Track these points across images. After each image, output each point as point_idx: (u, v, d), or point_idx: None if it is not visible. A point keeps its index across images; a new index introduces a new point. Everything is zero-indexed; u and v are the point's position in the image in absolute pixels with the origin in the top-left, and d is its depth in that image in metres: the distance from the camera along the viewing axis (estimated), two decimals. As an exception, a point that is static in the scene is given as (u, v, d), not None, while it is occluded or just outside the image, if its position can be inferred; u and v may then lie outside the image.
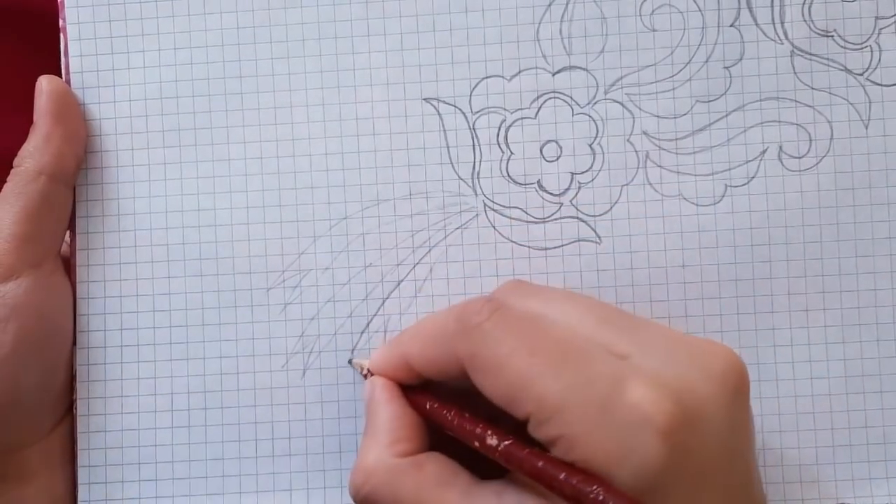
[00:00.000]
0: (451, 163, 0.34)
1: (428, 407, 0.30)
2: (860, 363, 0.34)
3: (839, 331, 0.34)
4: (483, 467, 0.29)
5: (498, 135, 0.34)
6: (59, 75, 0.35)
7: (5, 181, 0.34)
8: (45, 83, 0.34)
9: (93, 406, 0.34)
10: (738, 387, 0.27)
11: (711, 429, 0.26)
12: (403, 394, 0.31)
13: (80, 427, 0.34)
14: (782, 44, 0.34)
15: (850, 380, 0.34)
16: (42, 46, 0.38)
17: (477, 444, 0.28)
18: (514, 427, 0.27)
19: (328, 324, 0.34)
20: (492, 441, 0.28)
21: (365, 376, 0.32)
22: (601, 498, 0.25)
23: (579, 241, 0.34)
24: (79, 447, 0.34)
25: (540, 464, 0.26)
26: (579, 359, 0.27)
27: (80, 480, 0.34)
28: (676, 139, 0.34)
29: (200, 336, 0.35)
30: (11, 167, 0.34)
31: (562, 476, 0.25)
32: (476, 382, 0.28)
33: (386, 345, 0.32)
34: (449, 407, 0.30)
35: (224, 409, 0.34)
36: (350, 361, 0.34)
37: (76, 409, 0.34)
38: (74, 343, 0.35)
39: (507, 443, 0.27)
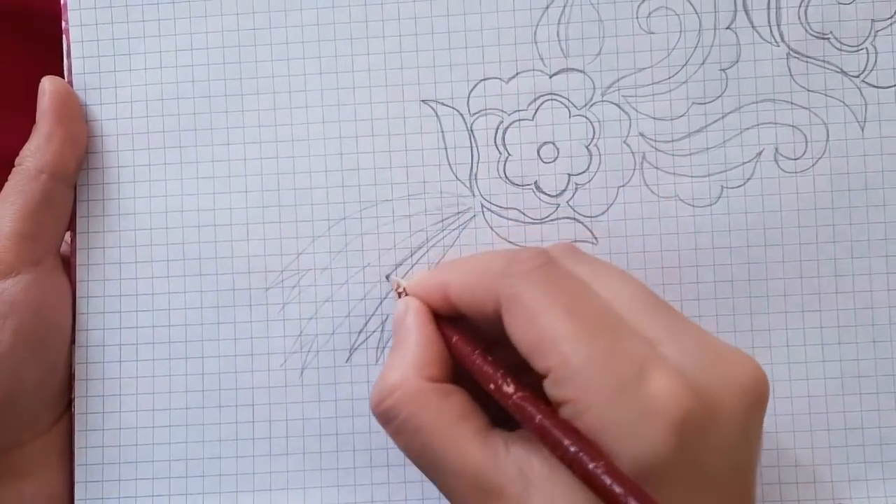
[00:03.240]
0: (449, 164, 0.35)
1: (454, 340, 0.30)
2: (856, 364, 0.34)
3: (835, 332, 0.34)
4: (492, 419, 0.29)
5: (495, 136, 0.35)
6: (62, 76, 0.35)
7: (5, 180, 0.34)
8: (47, 84, 0.35)
9: (91, 404, 0.35)
10: (757, 401, 0.27)
11: (723, 436, 0.26)
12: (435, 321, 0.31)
13: (78, 425, 0.35)
14: (778, 46, 0.34)
15: (846, 381, 0.34)
16: (45, 48, 0.39)
17: (493, 387, 0.28)
18: (531, 386, 0.27)
19: (326, 323, 0.35)
20: (508, 388, 0.28)
21: (399, 295, 0.32)
22: (602, 475, 0.25)
23: (576, 242, 0.34)
24: (77, 445, 0.34)
25: (549, 423, 0.26)
26: (613, 332, 0.27)
27: (77, 478, 0.34)
28: (673, 141, 0.34)
29: (199, 335, 0.35)
30: (10, 167, 0.34)
31: (566, 442, 0.25)
32: (507, 326, 0.28)
33: (428, 270, 0.32)
34: (474, 345, 0.30)
35: (222, 408, 0.35)
36: (387, 277, 0.34)
37: (74, 407, 0.35)
38: (73, 341, 0.35)
39: (522, 394, 0.27)
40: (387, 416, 0.29)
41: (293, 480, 0.34)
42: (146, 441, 0.34)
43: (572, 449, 0.25)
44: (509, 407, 0.28)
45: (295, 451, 0.34)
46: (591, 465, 0.25)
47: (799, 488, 0.33)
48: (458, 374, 0.30)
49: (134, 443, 0.34)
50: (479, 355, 0.29)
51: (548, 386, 0.27)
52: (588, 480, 0.25)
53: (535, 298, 0.28)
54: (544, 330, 0.27)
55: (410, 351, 0.30)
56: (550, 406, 0.27)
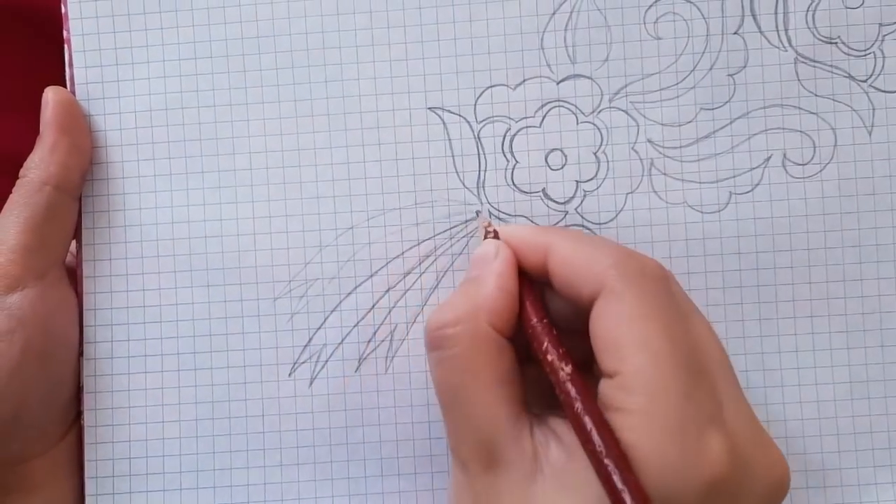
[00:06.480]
0: (457, 172, 0.35)
1: (527, 301, 0.30)
2: (865, 369, 0.34)
3: (844, 337, 0.34)
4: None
5: (503, 143, 0.35)
6: (62, 77, 0.35)
7: (4, 182, 0.34)
8: (51, 94, 0.34)
9: (101, 417, 0.34)
10: (774, 500, 0.28)
11: None
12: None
13: (87, 438, 0.34)
14: (786, 51, 0.34)
15: (854, 385, 0.34)
16: (43, 47, 0.38)
17: (550, 358, 0.28)
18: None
19: (335, 333, 0.34)
20: (565, 368, 0.28)
21: (486, 236, 0.32)
22: (621, 487, 0.25)
23: (585, 249, 0.34)
24: (87, 458, 0.34)
25: (592, 419, 0.26)
26: (696, 375, 0.27)
27: (88, 492, 0.34)
28: (681, 147, 0.34)
29: (207, 346, 0.35)
30: (10, 168, 0.34)
31: (599, 446, 0.26)
32: (597, 317, 0.28)
33: (534, 227, 0.32)
34: (543, 314, 0.29)
35: (232, 420, 0.34)
36: (477, 213, 0.34)
37: (83, 419, 0.35)
38: (81, 354, 0.35)
39: (576, 378, 0.27)
40: (439, 343, 0.29)
41: (304, 491, 0.34)
42: (156, 453, 0.34)
43: (608, 457, 0.25)
44: (557, 385, 0.27)
45: (305, 462, 0.34)
46: (617, 477, 0.25)
47: (809, 493, 0.34)
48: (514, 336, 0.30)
49: (144, 455, 0.34)
50: (547, 325, 0.29)
51: (607, 386, 0.27)
52: (611, 493, 0.25)
53: (642, 302, 0.27)
54: (635, 334, 0.27)
55: (487, 293, 0.29)
56: (596, 401, 0.27)
